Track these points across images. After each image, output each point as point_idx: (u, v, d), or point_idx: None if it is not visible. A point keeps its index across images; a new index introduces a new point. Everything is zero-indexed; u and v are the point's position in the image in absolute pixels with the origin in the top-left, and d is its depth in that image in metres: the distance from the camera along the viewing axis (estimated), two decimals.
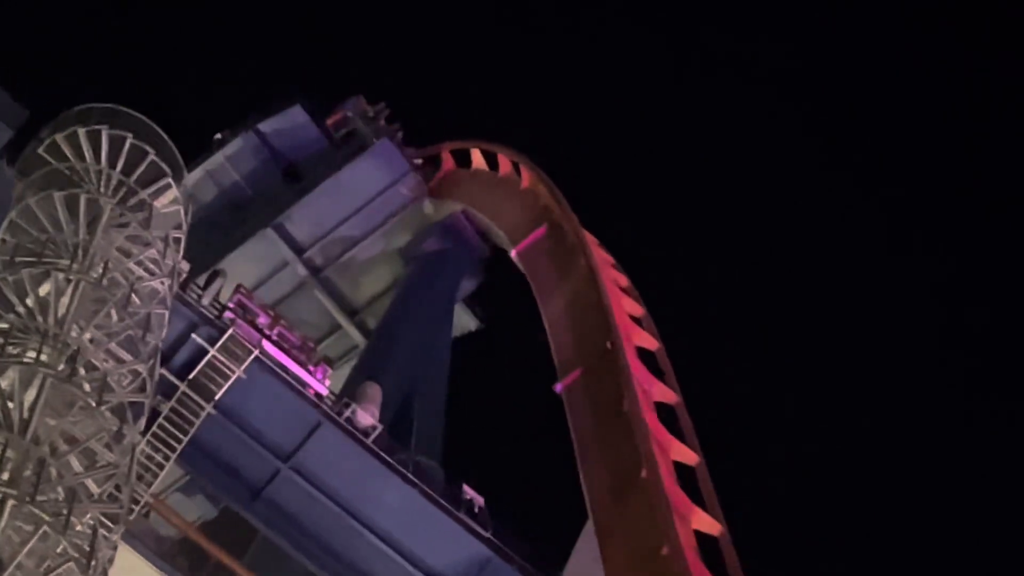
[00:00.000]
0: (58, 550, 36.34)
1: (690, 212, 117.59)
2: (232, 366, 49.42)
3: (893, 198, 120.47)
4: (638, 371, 53.52)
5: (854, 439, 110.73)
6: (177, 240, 46.72)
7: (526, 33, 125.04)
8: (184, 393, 48.59)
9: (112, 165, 45.53)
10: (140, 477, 45.82)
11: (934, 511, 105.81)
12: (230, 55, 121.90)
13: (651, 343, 56.83)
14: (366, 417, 53.08)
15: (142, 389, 42.24)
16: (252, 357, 49.82)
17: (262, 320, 52.98)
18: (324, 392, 53.07)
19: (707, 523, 46.84)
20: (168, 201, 46.63)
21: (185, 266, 48.95)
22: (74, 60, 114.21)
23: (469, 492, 54.05)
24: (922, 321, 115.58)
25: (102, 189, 44.97)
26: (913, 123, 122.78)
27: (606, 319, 55.40)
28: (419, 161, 78.69)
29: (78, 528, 37.25)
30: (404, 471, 52.52)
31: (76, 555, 36.46)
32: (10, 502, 35.48)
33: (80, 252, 42.67)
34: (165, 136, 46.82)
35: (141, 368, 42.18)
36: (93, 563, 36.75)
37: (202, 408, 48.67)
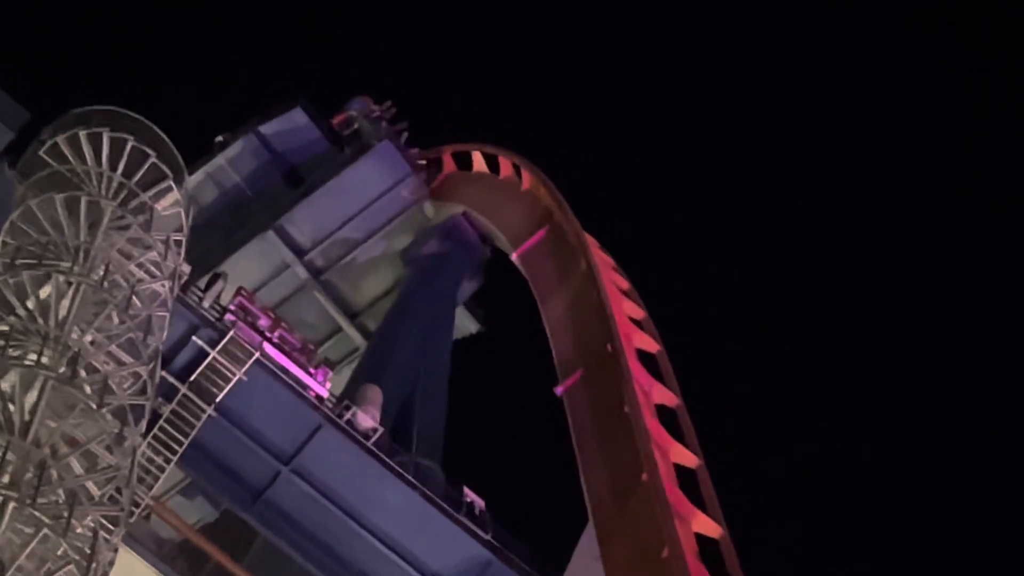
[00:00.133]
0: (59, 552, 36.36)
1: (691, 214, 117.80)
2: (233, 368, 49.41)
3: (895, 200, 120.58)
4: (639, 373, 53.53)
5: (855, 441, 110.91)
6: (178, 242, 46.72)
7: (526, 35, 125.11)
8: (185, 395, 48.58)
9: (113, 167, 45.54)
10: (141, 479, 45.80)
11: (936, 513, 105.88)
12: (231, 57, 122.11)
13: (652, 345, 56.85)
14: (367, 419, 53.08)
15: (143, 391, 42.25)
16: (253, 359, 49.83)
17: (263, 322, 52.99)
18: (325, 394, 53.07)
19: (708, 526, 46.85)
20: (169, 203, 46.65)
21: (186, 268, 48.93)
22: (75, 62, 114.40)
23: (470, 494, 54.04)
24: (923, 323, 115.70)
25: (103, 191, 45.00)
26: (913, 123, 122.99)
27: (607, 321, 55.42)
28: (423, 162, 78.74)
29: (79, 530, 37.25)
30: (405, 473, 52.52)
31: (77, 557, 36.49)
32: (11, 504, 35.51)
33: (81, 254, 42.69)
34: (166, 138, 46.84)
35: (142, 370, 42.18)
36: (94, 565, 36.76)
37: (203, 410, 48.65)
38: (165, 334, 45.06)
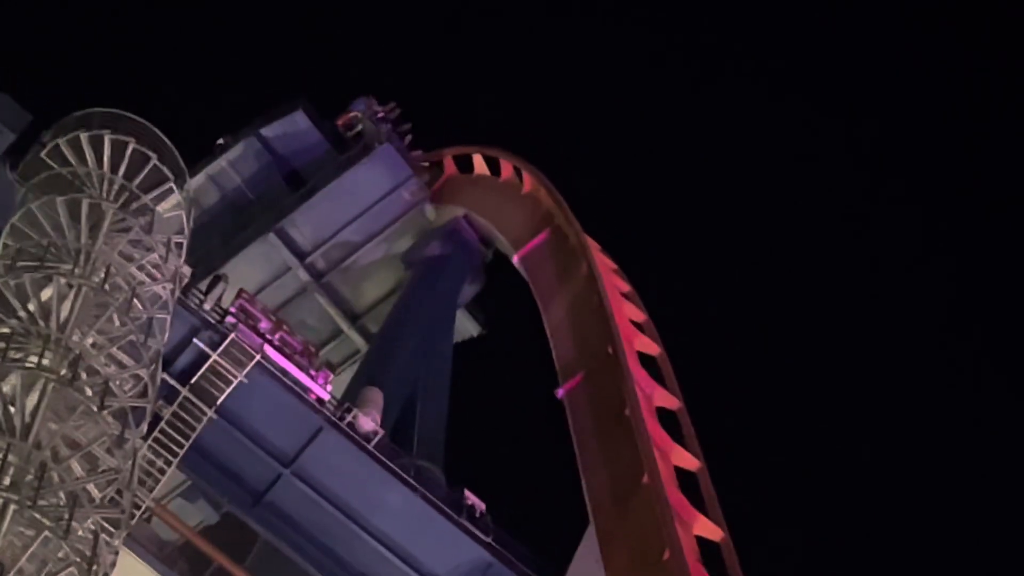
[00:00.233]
0: (59, 555, 36.34)
1: (692, 218, 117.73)
2: (234, 371, 49.41)
3: (896, 201, 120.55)
4: (640, 376, 53.59)
5: (857, 444, 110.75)
6: (179, 245, 46.71)
7: (527, 37, 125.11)
8: (186, 398, 48.56)
9: (114, 170, 45.53)
10: (142, 482, 45.75)
11: (937, 516, 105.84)
12: (233, 59, 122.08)
13: (653, 348, 56.89)
14: (368, 422, 53.08)
15: (144, 394, 42.23)
16: (254, 362, 49.84)
17: (264, 325, 52.97)
18: (326, 397, 53.07)
19: (709, 529, 46.91)
20: (170, 206, 46.66)
21: (187, 271, 48.89)
22: (76, 64, 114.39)
23: (471, 497, 54.01)
24: (924, 327, 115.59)
25: (104, 194, 44.99)
26: (914, 123, 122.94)
27: (607, 324, 55.45)
28: (427, 164, 78.79)
29: (79, 533, 37.21)
30: (406, 476, 52.52)
31: (77, 560, 36.45)
32: (11, 507, 35.50)
33: (82, 257, 42.70)
34: (167, 141, 46.81)
35: (143, 373, 42.16)
36: (95, 568, 36.73)
37: (204, 413, 48.64)
38: (166, 336, 45.02)
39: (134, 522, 44.28)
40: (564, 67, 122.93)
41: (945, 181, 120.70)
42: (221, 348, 49.51)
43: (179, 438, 48.04)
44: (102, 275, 42.48)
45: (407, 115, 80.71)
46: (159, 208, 46.14)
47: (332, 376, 54.28)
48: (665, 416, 52.67)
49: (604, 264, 62.28)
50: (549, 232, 65.68)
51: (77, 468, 38.45)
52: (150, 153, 45.97)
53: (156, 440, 47.46)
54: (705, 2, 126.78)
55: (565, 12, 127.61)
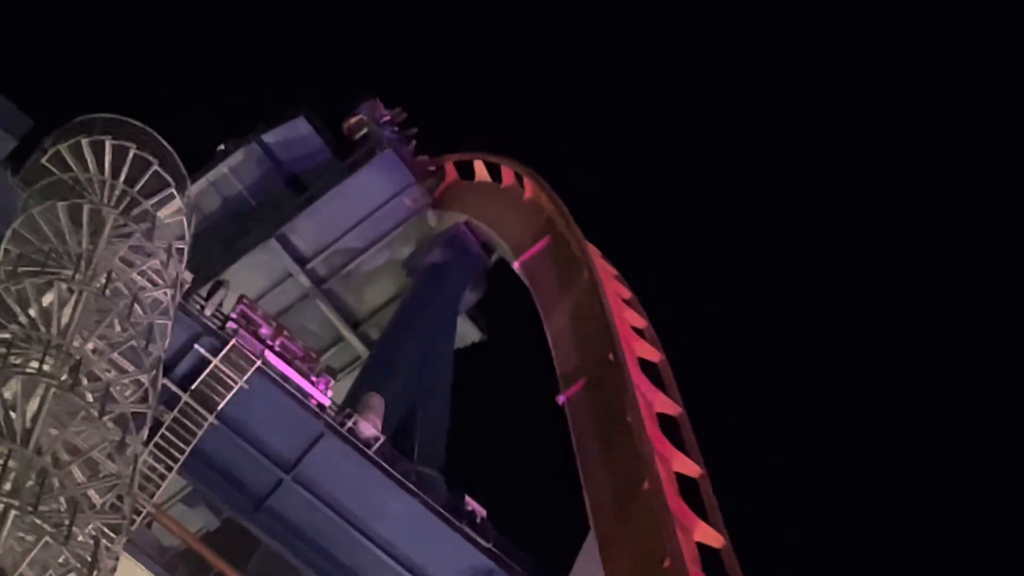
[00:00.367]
0: (60, 560, 36.34)
1: (694, 224, 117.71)
2: (235, 377, 49.44)
3: (897, 205, 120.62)
4: (641, 382, 53.53)
5: (859, 450, 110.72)
6: (180, 251, 46.73)
7: (529, 44, 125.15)
8: (186, 403, 48.60)
9: (115, 175, 45.53)
10: (142, 487, 45.82)
11: (938, 521, 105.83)
12: (234, 65, 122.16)
13: (654, 355, 56.83)
14: (368, 428, 53.09)
15: (144, 399, 42.25)
16: (255, 368, 49.86)
17: (265, 331, 52.99)
18: (326, 403, 53.08)
19: (710, 535, 46.85)
20: (171, 212, 46.65)
21: (188, 276, 48.96)
22: (78, 70, 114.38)
23: (471, 503, 54.04)
24: (925, 329, 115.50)
25: (105, 199, 44.99)
26: (914, 123, 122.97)
27: (609, 331, 55.41)
28: (432, 168, 78.86)
29: (80, 539, 37.22)
30: (406, 482, 52.52)
31: (78, 565, 36.46)
32: (12, 512, 35.50)
33: (83, 262, 42.71)
34: (169, 147, 46.81)
35: (144, 378, 42.18)
36: (95, 574, 36.72)
37: (204, 419, 48.67)
38: (167, 342, 45.05)
39: (135, 528, 44.35)
40: (566, 74, 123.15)
41: (945, 181, 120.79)
42: (222, 354, 49.55)
43: (180, 444, 48.07)
44: (103, 281, 42.51)
45: (411, 119, 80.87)
46: (160, 214, 46.14)
47: (333, 382, 54.30)
48: (666, 422, 52.62)
49: (605, 270, 62.24)
50: (550, 238, 65.64)
51: (78, 474, 38.45)
52: (151, 159, 45.98)
53: (157, 446, 47.50)
54: (705, 2, 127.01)
55: (565, 17, 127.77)
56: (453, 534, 52.16)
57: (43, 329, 40.46)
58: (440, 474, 57.65)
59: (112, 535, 39.12)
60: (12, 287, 41.09)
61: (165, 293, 44.95)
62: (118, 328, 41.91)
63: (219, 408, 49.06)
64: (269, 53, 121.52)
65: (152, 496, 47.44)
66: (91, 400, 39.40)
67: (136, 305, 43.11)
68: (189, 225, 47.33)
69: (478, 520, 53.35)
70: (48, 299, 41.05)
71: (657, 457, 48.46)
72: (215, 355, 49.51)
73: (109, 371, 41.22)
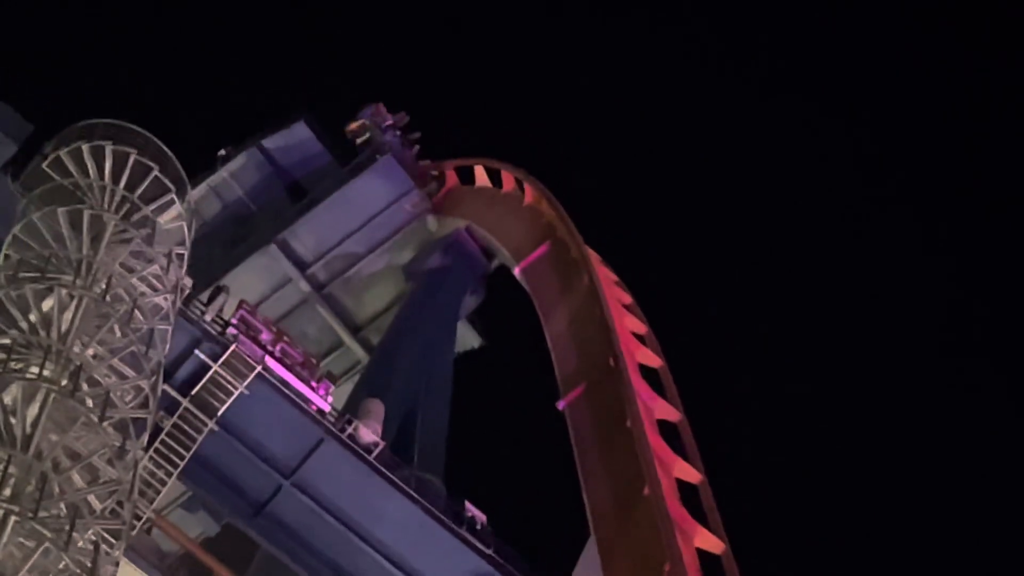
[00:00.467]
0: (60, 566, 36.28)
1: (694, 230, 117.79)
2: (235, 382, 49.40)
3: (898, 205, 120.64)
4: (641, 388, 53.56)
5: (859, 456, 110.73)
6: (180, 256, 46.73)
7: (530, 50, 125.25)
8: (187, 409, 48.56)
9: (116, 181, 45.56)
10: (142, 493, 45.77)
11: (938, 525, 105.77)
12: (235, 70, 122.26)
13: (654, 360, 56.87)
14: (368, 433, 53.06)
15: (144, 405, 42.21)
16: (255, 373, 49.83)
17: (265, 336, 52.97)
18: (327, 408, 53.05)
19: (710, 541, 46.87)
20: (171, 217, 46.68)
21: (188, 282, 48.93)
22: (78, 75, 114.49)
23: (471, 509, 53.99)
24: (926, 335, 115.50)
25: (105, 205, 45.01)
26: (913, 124, 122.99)
27: (609, 336, 55.45)
28: (435, 173, 78.92)
29: (80, 544, 37.19)
30: (406, 488, 52.49)
31: (78, 571, 36.38)
32: (12, 518, 35.45)
33: (83, 268, 42.70)
34: (169, 152, 46.83)
35: (144, 384, 42.14)
36: None
37: (204, 424, 48.63)
38: (167, 347, 45.05)
39: (134, 533, 44.33)
40: (568, 80, 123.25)
41: (945, 181, 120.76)
42: (222, 359, 49.50)
43: (180, 449, 48.04)
44: (103, 286, 42.49)
45: (413, 124, 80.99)
46: (160, 219, 46.16)
47: (333, 387, 54.26)
48: (666, 428, 52.64)
49: (605, 276, 62.29)
50: (550, 244, 65.71)
51: (78, 479, 38.42)
52: (151, 164, 46.00)
53: (157, 451, 47.47)
54: (705, 2, 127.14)
55: (566, 24, 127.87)
56: (453, 540, 52.12)
57: (43, 334, 40.45)
58: (440, 479, 57.61)
59: (112, 540, 39.09)
60: (12, 292, 41.07)
61: (165, 298, 44.94)
62: (118, 333, 41.89)
63: (219, 414, 49.03)
64: (270, 58, 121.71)
65: (152, 502, 47.41)
66: (91, 405, 39.39)
67: (136, 310, 43.10)
68: (189, 230, 47.36)
69: (478, 526, 53.30)
70: (48, 304, 41.04)
71: (657, 463, 48.47)
72: (215, 360, 49.47)
73: (109, 376, 41.19)
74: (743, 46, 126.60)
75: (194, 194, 51.72)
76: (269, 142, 77.11)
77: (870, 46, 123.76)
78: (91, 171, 45.44)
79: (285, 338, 54.31)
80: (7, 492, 36.16)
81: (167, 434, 47.87)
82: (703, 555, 46.23)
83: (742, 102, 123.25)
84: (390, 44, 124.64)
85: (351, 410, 55.59)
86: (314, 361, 55.56)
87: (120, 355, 41.81)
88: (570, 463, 53.10)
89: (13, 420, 37.64)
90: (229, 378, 49.36)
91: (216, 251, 71.56)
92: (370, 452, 52.50)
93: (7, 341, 40.29)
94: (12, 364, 39.64)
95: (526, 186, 70.65)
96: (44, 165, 45.75)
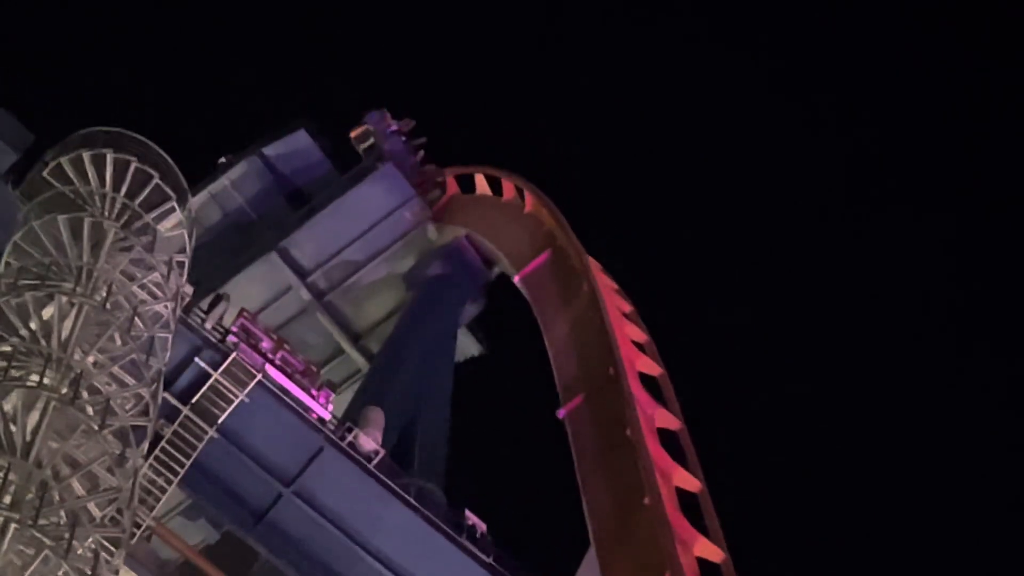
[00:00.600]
0: (59, 574, 36.27)
1: (694, 238, 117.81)
2: (235, 390, 49.36)
3: (898, 205, 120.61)
4: (641, 397, 53.54)
5: (860, 464, 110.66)
6: (181, 264, 46.74)
7: (531, 58, 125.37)
8: (187, 417, 48.51)
9: (116, 189, 45.57)
10: (142, 501, 45.78)
11: (939, 531, 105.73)
12: (235, 79, 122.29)
13: (654, 369, 56.85)
14: (368, 442, 53.04)
15: (145, 413, 42.23)
16: (255, 381, 49.79)
17: (265, 344, 52.98)
18: (327, 416, 53.03)
19: (709, 550, 46.85)
20: (172, 225, 46.69)
21: (189, 290, 48.98)
22: (79, 83, 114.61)
23: (471, 517, 53.95)
24: (927, 338, 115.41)
25: (106, 213, 45.02)
26: (913, 124, 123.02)
27: (609, 345, 55.43)
28: (441, 179, 78.97)
29: (80, 552, 37.18)
30: (406, 496, 52.44)
31: None
32: (12, 526, 35.47)
33: (84, 275, 42.71)
34: (170, 160, 46.86)
35: (144, 392, 42.16)
36: None
37: (205, 432, 48.59)
38: (167, 355, 45.06)
39: (134, 541, 44.29)
40: (569, 89, 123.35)
41: (945, 181, 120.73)
42: (222, 367, 49.47)
43: (180, 457, 47.99)
44: (104, 294, 42.52)
45: (416, 130, 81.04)
46: (161, 227, 46.16)
47: (333, 395, 54.27)
48: (666, 437, 52.62)
49: (605, 284, 62.28)
50: (551, 252, 65.73)
51: (78, 487, 38.42)
52: (152, 172, 46.02)
53: (157, 459, 47.42)
54: (705, 3, 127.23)
55: (568, 31, 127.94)
56: (453, 548, 52.06)
57: (43, 342, 40.45)
58: (440, 488, 57.54)
59: (112, 548, 39.08)
60: (13, 300, 41.08)
61: (166, 306, 44.96)
62: (118, 341, 41.91)
63: (219, 421, 48.98)
64: (271, 66, 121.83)
65: (152, 509, 47.35)
66: (91, 413, 39.38)
67: (136, 318, 43.13)
68: (190, 238, 47.36)
69: (478, 534, 53.27)
70: (49, 312, 41.04)
71: (657, 472, 48.45)
72: (216, 369, 49.44)
73: (109, 384, 41.21)
74: (743, 49, 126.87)
75: (195, 202, 51.74)
76: (270, 150, 77.18)
77: (870, 46, 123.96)
78: (92, 179, 45.45)
79: (285, 346, 54.31)
80: (7, 500, 36.16)
81: (167, 442, 47.83)
82: (703, 564, 46.21)
83: (739, 108, 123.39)
84: (391, 51, 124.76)
85: (351, 418, 55.58)
86: (314, 369, 55.56)
87: (120, 363, 41.83)
88: (570, 472, 53.10)
89: (13, 428, 37.65)
90: (229, 386, 49.32)
91: (217, 259, 71.54)
92: (370, 460, 52.49)
93: (8, 349, 40.30)
94: (12, 372, 39.65)
95: (526, 194, 70.68)
96: (45, 173, 45.76)
